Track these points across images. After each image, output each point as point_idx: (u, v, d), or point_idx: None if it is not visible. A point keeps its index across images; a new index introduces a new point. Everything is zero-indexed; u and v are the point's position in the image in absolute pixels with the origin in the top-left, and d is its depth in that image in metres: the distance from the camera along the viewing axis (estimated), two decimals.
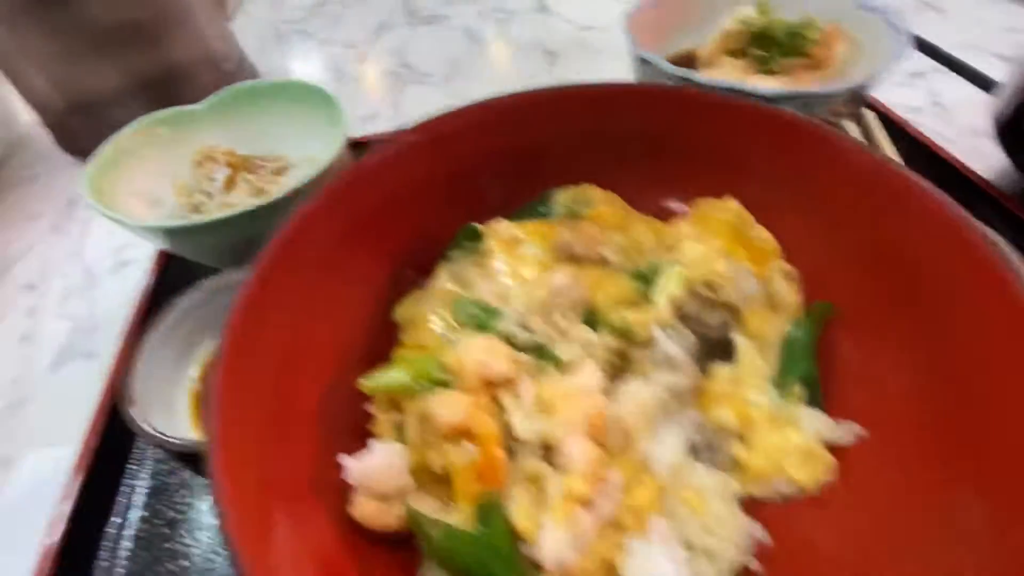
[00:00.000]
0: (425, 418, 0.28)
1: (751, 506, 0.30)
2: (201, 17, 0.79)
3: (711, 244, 0.33)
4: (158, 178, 0.54)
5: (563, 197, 0.40)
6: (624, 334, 0.31)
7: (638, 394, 0.29)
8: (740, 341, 0.33)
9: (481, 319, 0.32)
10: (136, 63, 0.76)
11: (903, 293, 0.32)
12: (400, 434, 0.30)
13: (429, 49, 0.95)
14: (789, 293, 0.34)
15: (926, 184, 0.31)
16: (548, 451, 0.27)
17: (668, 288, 0.32)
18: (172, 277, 0.56)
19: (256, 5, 1.12)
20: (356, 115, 0.80)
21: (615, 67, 0.84)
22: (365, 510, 0.27)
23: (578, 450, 0.26)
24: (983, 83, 0.74)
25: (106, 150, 0.50)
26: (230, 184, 0.54)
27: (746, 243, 0.37)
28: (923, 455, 0.28)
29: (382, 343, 0.37)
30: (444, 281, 0.37)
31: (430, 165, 0.40)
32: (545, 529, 0.24)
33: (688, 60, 0.65)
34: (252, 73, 0.89)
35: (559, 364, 0.30)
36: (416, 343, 0.34)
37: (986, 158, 0.56)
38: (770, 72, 0.53)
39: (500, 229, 0.38)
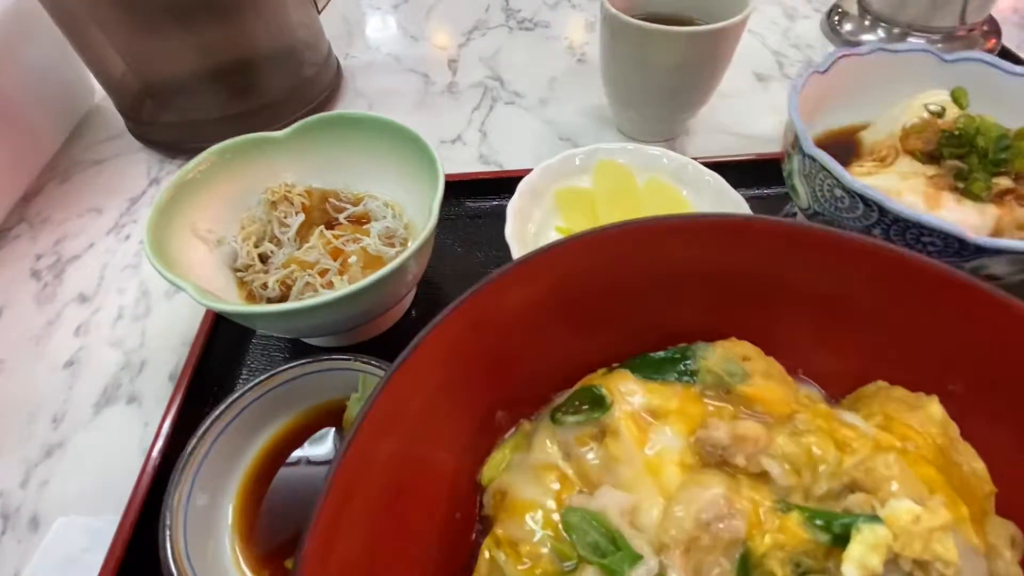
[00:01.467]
0: None
1: None
2: (290, 4, 0.72)
3: (931, 508, 0.24)
4: (224, 210, 0.48)
5: (712, 357, 0.31)
6: None
7: None
8: None
9: (609, 556, 0.24)
10: (214, 44, 0.70)
11: None
12: None
13: (525, 63, 0.85)
14: None
15: None
16: None
17: (866, 559, 0.24)
18: (227, 324, 0.51)
19: None
20: (435, 136, 0.73)
21: (748, 119, 0.72)
22: None
23: None
24: None
25: (165, 192, 0.44)
26: (303, 235, 0.48)
27: (953, 475, 0.28)
28: None
29: (465, 506, 0.31)
30: (549, 451, 0.30)
31: (544, 295, 0.32)
32: None
33: (845, 140, 0.54)
34: (336, 71, 0.82)
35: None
36: (511, 543, 0.27)
37: None
38: (969, 195, 0.42)
39: (629, 394, 0.30)
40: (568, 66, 0.85)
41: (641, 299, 0.34)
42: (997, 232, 0.40)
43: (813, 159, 0.41)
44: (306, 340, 0.50)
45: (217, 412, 0.35)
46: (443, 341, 0.28)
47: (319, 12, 0.78)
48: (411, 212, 0.51)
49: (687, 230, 0.32)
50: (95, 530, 0.42)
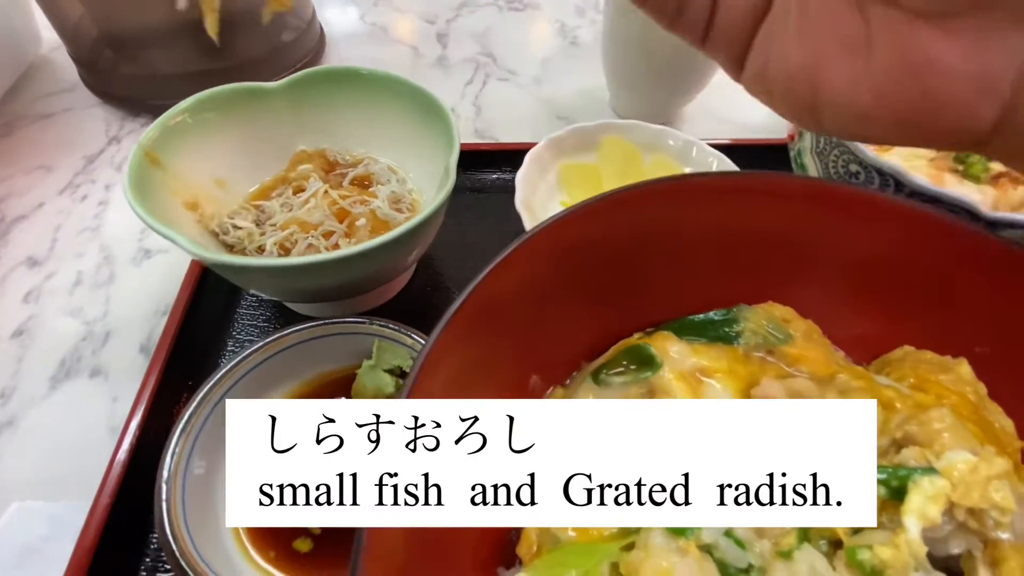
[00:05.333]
0: None
1: None
2: None
3: (987, 459, 0.24)
4: (217, 165, 0.44)
5: (755, 319, 0.31)
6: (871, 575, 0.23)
7: None
8: None
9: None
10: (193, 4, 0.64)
11: None
12: None
13: (516, 41, 0.84)
14: None
15: None
16: None
17: (925, 509, 0.24)
18: (212, 288, 0.46)
19: None
20: None
21: (740, 109, 0.74)
22: None
23: None
24: None
25: (153, 131, 0.39)
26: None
27: (987, 431, 0.28)
28: None
29: None
30: None
31: (573, 258, 0.30)
32: None
33: None
34: (319, 38, 0.77)
35: None
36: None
37: None
38: (969, 176, 0.44)
39: (678, 355, 0.29)
40: (561, 47, 0.84)
41: (663, 264, 0.33)
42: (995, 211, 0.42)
43: (828, 140, 0.42)
44: (298, 310, 0.46)
45: (220, 374, 0.32)
46: (479, 304, 0.26)
47: None
48: (415, 177, 0.49)
49: (711, 189, 0.31)
50: (55, 517, 0.37)
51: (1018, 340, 0.30)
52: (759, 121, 0.71)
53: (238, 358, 0.32)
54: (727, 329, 0.31)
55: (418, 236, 0.37)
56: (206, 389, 0.31)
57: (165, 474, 0.28)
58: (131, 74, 0.66)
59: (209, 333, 0.45)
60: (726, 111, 0.72)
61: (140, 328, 0.46)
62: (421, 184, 0.48)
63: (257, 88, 0.45)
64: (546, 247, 0.29)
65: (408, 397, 0.21)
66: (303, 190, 0.45)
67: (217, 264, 0.33)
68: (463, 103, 0.72)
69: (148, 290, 0.49)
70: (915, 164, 0.45)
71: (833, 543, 0.25)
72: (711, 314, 0.32)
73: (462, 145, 0.59)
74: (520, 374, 0.31)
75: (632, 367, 0.29)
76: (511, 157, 0.55)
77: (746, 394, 0.28)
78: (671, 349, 0.29)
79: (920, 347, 0.32)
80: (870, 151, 0.41)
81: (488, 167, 0.59)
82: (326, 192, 0.43)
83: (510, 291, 0.28)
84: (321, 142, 0.49)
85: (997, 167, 0.44)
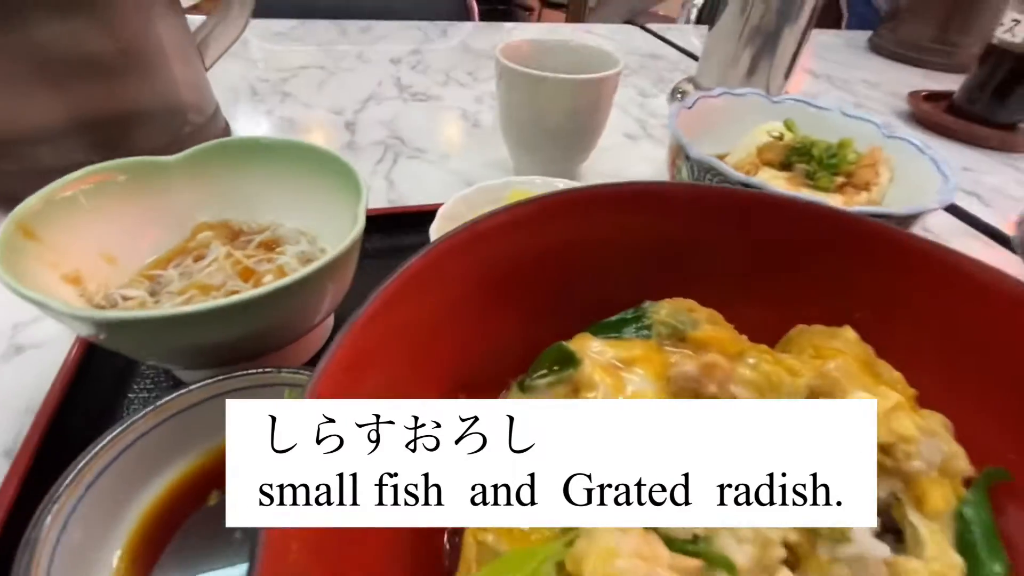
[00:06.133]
0: None
1: None
2: (175, 61, 0.69)
3: (882, 393, 0.26)
4: (103, 243, 0.42)
5: (663, 312, 0.32)
6: None
7: None
8: (921, 525, 0.25)
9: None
10: (87, 101, 0.64)
11: None
12: None
13: (422, 125, 0.90)
14: (963, 458, 0.28)
15: None
16: None
17: None
18: (95, 378, 0.42)
19: (232, 59, 1.04)
20: None
21: (627, 166, 0.82)
22: None
23: None
24: (977, 224, 0.77)
25: (32, 202, 0.37)
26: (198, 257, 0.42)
27: (880, 384, 0.31)
28: None
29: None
30: None
31: (493, 266, 0.32)
32: None
33: None
34: (224, 129, 0.78)
35: (732, 571, 0.21)
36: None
37: None
38: (819, 188, 0.51)
39: (598, 351, 0.29)
40: (464, 129, 0.91)
41: (574, 272, 0.35)
42: None
43: (699, 161, 0.47)
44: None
45: (103, 442, 0.27)
46: (385, 327, 0.25)
47: (206, 69, 0.75)
48: (326, 237, 0.48)
49: (611, 198, 0.34)
50: None
51: (887, 302, 0.34)
52: (645, 174, 0.79)
53: (125, 423, 0.28)
54: (639, 324, 0.32)
55: (324, 281, 0.36)
56: (86, 459, 0.27)
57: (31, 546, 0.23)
58: (8, 170, 0.63)
59: (92, 425, 0.39)
60: (614, 171, 0.80)
61: (5, 431, 0.40)
62: (333, 243, 0.48)
63: (153, 162, 0.45)
64: (460, 258, 0.29)
65: None
66: (204, 258, 0.43)
67: (96, 323, 0.30)
68: (375, 178, 0.75)
69: (18, 389, 0.43)
70: (776, 183, 0.52)
71: None
72: (622, 314, 0.33)
73: (375, 211, 0.60)
74: (446, 391, 0.30)
75: (555, 368, 0.29)
76: (423, 219, 0.57)
77: (665, 379, 0.29)
78: (590, 346, 0.30)
79: (810, 323, 0.35)
80: (738, 173, 0.47)
81: (401, 230, 0.60)
82: (228, 254, 0.41)
83: (422, 305, 0.27)
84: (224, 213, 0.48)
85: (839, 179, 0.52)
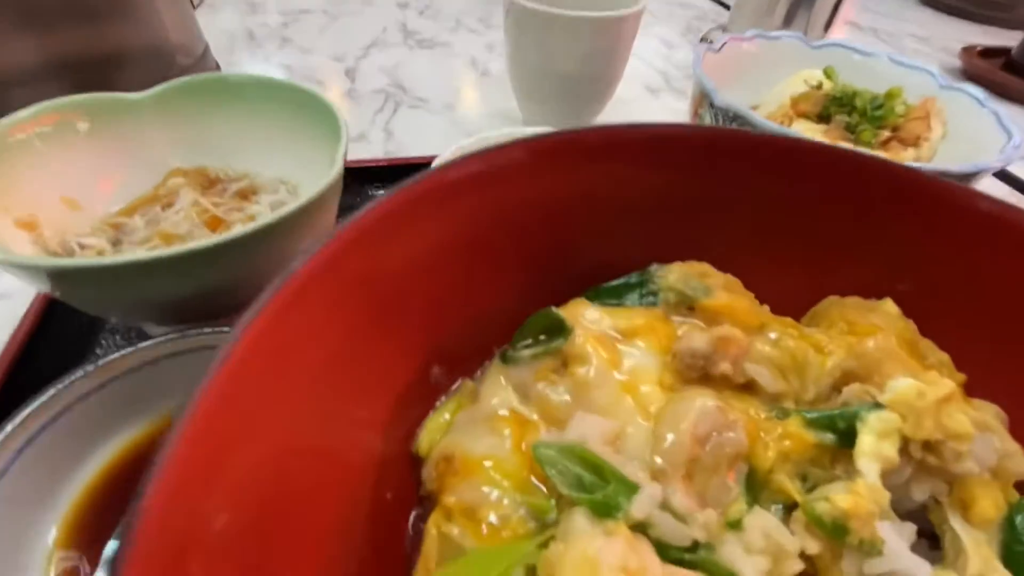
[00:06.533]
0: None
1: None
2: (160, 3, 0.64)
3: (930, 380, 0.22)
4: (63, 187, 0.38)
5: (671, 277, 0.28)
6: (834, 532, 0.19)
7: None
8: (965, 535, 0.22)
9: (599, 491, 0.19)
10: (68, 42, 0.59)
11: None
12: None
13: (427, 73, 0.84)
14: (1019, 456, 0.23)
15: None
16: None
17: (878, 448, 0.21)
18: (58, 333, 0.39)
19: (230, 2, 0.98)
20: None
21: (645, 120, 0.76)
22: None
23: None
24: None
25: None
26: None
27: (923, 366, 0.26)
28: None
29: (398, 487, 0.23)
30: (503, 396, 0.24)
31: (477, 215, 0.27)
32: None
33: None
34: (214, 72, 0.74)
35: None
36: (466, 511, 0.20)
37: None
38: (861, 142, 0.45)
39: (593, 320, 0.25)
40: (472, 79, 0.84)
41: (579, 232, 0.30)
42: None
43: (725, 109, 0.42)
44: None
45: (34, 405, 0.25)
46: (333, 281, 0.21)
47: (195, 7, 0.70)
48: (309, 187, 0.44)
49: (614, 141, 0.29)
50: None
51: (939, 272, 0.29)
52: None
53: (60, 385, 0.25)
54: (643, 289, 0.28)
55: (294, 230, 0.32)
56: (20, 418, 0.24)
57: None
58: None
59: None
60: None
61: None
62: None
63: (118, 99, 0.41)
64: (437, 204, 0.25)
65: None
66: (172, 206, 0.39)
67: (38, 271, 0.27)
68: (373, 129, 0.70)
69: None
70: (811, 135, 0.46)
71: (788, 507, 0.21)
72: (626, 278, 0.29)
73: (366, 161, 0.56)
74: (416, 365, 0.26)
75: (542, 338, 0.25)
76: (419, 171, 0.53)
77: (669, 354, 0.25)
78: (584, 314, 0.26)
79: (844, 295, 0.30)
80: (770, 123, 0.41)
81: (395, 182, 0.56)
82: (196, 202, 0.38)
83: (388, 256, 0.24)
84: (200, 158, 0.44)
85: (884, 133, 0.46)
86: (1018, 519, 0.23)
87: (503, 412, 0.24)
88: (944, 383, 0.21)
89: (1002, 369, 0.27)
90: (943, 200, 0.28)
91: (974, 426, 0.22)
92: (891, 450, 0.21)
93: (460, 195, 0.26)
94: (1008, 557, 0.22)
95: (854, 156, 0.29)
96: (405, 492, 0.24)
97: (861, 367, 0.23)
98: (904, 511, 0.22)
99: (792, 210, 0.31)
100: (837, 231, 0.31)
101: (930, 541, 0.23)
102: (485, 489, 0.21)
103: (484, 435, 0.23)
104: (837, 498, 0.19)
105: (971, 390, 0.26)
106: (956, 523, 0.22)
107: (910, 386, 0.21)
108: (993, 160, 0.39)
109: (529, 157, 0.28)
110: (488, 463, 0.22)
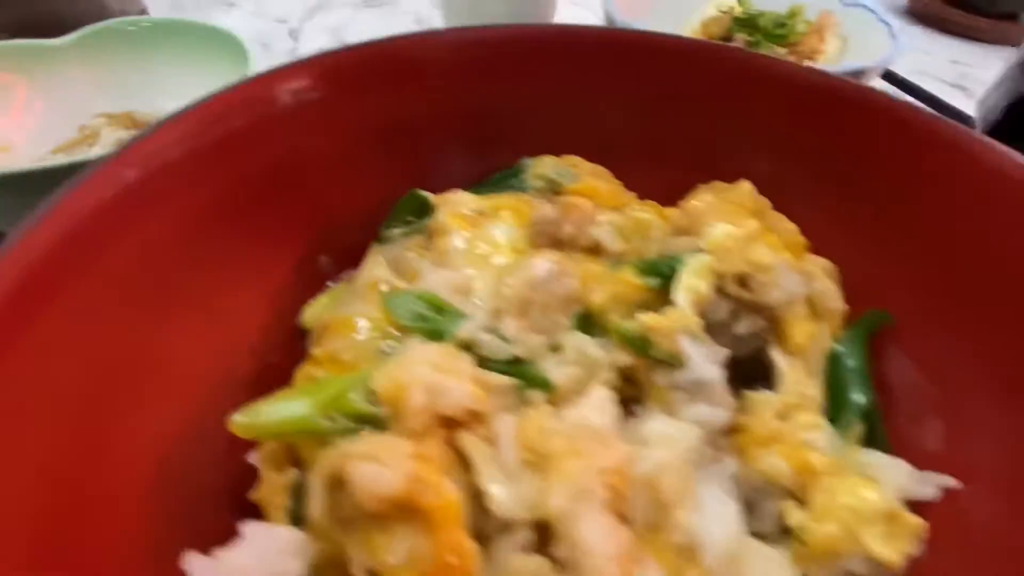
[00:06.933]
0: (338, 482, 0.17)
1: None
2: None
3: (743, 225, 0.24)
4: None
5: (540, 167, 0.30)
6: (640, 346, 0.22)
7: (670, 437, 0.19)
8: (781, 360, 0.24)
9: (433, 321, 0.21)
10: (6, 8, 0.60)
11: (976, 288, 0.25)
12: (297, 509, 0.18)
13: (372, 32, 0.85)
14: (835, 297, 0.26)
15: (997, 145, 0.25)
16: (544, 534, 0.17)
17: (692, 284, 0.23)
18: None
19: None
20: None
21: None
22: None
23: (597, 532, 0.15)
24: (937, 105, 0.73)
25: None
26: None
27: (769, 234, 0.29)
28: None
29: (283, 361, 0.26)
30: (377, 270, 0.27)
31: (360, 107, 0.30)
32: None
33: None
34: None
35: (550, 390, 0.20)
36: (331, 356, 0.23)
37: None
38: None
39: (457, 201, 0.28)
40: None
41: (478, 121, 0.32)
42: None
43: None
44: None
45: None
46: (195, 151, 0.24)
47: None
48: None
49: (482, 44, 0.31)
50: None
51: (790, 154, 0.31)
52: None
53: None
54: (516, 180, 0.30)
55: None
56: None
57: None
58: None
59: None
60: None
61: None
62: None
63: (41, 46, 0.42)
64: (313, 98, 0.27)
65: None
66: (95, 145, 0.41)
67: None
68: None
69: None
70: None
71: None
72: (502, 172, 0.31)
73: None
74: (304, 255, 0.29)
75: (411, 219, 0.28)
76: None
77: (529, 233, 0.27)
78: (449, 197, 0.28)
79: (710, 181, 0.33)
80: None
81: None
82: (119, 140, 0.39)
83: (257, 139, 0.26)
84: (125, 102, 0.46)
85: (782, 50, 0.48)
86: (838, 349, 0.26)
87: (375, 282, 0.26)
88: (750, 224, 0.24)
89: (843, 232, 0.29)
90: (781, 80, 0.30)
91: (790, 266, 0.25)
92: (704, 285, 0.23)
93: (342, 92, 0.28)
94: (830, 380, 0.25)
95: (711, 48, 0.32)
96: (292, 359, 0.26)
97: (688, 223, 0.26)
98: (741, 355, 0.25)
99: (659, 106, 0.33)
100: (701, 123, 0.33)
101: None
102: (349, 339, 0.23)
103: (357, 301, 0.25)
104: (643, 318, 0.22)
105: (818, 252, 0.29)
106: (775, 353, 0.25)
107: (722, 230, 0.24)
108: (866, 61, 0.42)
109: (409, 62, 0.30)
110: (357, 320, 0.24)
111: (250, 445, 0.21)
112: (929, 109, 0.70)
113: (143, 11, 0.73)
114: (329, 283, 0.29)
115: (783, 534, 0.22)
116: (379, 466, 0.16)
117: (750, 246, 0.23)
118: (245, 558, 0.15)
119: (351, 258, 0.30)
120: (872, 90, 0.30)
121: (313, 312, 0.27)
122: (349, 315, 0.25)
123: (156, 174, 0.22)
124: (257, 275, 0.26)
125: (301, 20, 0.87)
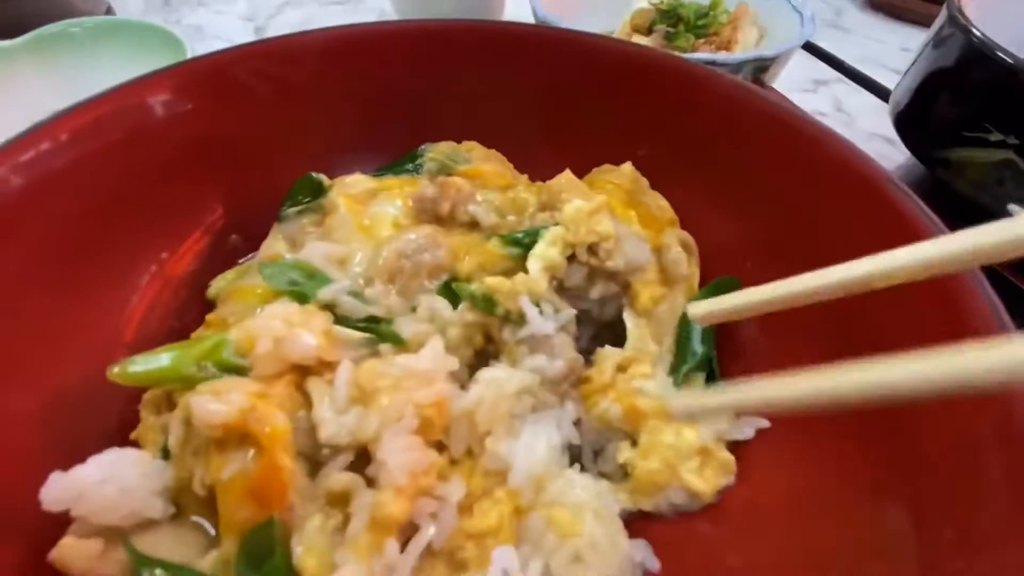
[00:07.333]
0: (191, 417, 0.20)
1: (638, 524, 0.23)
2: None
3: (596, 201, 0.27)
4: None
5: (436, 152, 0.33)
6: (486, 305, 0.24)
7: (497, 381, 0.22)
8: (630, 320, 0.27)
9: (302, 286, 0.24)
10: None
11: (802, 257, 0.27)
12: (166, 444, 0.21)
13: None
14: (685, 264, 0.29)
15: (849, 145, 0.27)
16: (363, 459, 0.20)
17: (545, 252, 0.26)
18: None
19: None
20: None
21: None
22: (70, 553, 0.18)
23: (400, 453, 0.18)
24: (882, 93, 0.76)
25: None
26: None
27: (641, 209, 0.32)
28: (843, 455, 0.23)
29: (191, 321, 0.29)
30: (276, 245, 0.29)
31: (273, 96, 0.32)
32: (341, 571, 0.17)
33: None
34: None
35: (399, 344, 0.23)
36: (220, 320, 0.26)
37: (890, 160, 0.56)
38: (678, 48, 0.50)
39: (350, 182, 0.30)
40: None
41: (383, 109, 0.35)
42: None
43: (543, 20, 0.46)
44: None
45: None
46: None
47: None
48: None
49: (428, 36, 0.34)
50: None
51: (667, 140, 0.34)
52: None
53: None
54: (413, 164, 0.33)
55: None
56: None
57: None
58: None
59: None
60: None
61: None
62: None
63: None
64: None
65: None
66: None
67: None
68: None
69: None
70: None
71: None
72: (403, 158, 0.34)
73: None
74: (212, 221, 0.31)
75: (306, 199, 0.30)
76: None
77: (413, 210, 0.30)
78: (343, 179, 0.31)
79: (600, 163, 0.35)
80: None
81: None
82: None
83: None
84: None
85: (702, 41, 0.50)
86: (688, 310, 0.28)
87: (273, 256, 0.29)
88: (597, 198, 0.27)
89: (707, 209, 0.32)
90: (661, 71, 0.33)
91: (638, 237, 0.27)
92: (554, 253, 0.26)
93: (258, 82, 0.31)
94: (678, 337, 0.28)
95: (600, 43, 0.34)
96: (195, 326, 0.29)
97: (549, 199, 0.28)
98: (596, 315, 0.28)
99: (555, 96, 0.36)
100: (594, 111, 0.35)
101: None
102: (238, 305, 0.26)
103: (255, 274, 0.28)
104: (489, 280, 0.24)
105: (686, 226, 0.32)
106: (626, 314, 0.28)
107: (574, 205, 0.27)
108: (767, 49, 0.44)
109: (319, 51, 0.33)
110: (254, 290, 0.27)
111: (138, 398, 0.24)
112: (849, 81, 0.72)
113: (109, 10, 0.76)
114: (240, 261, 0.32)
115: (626, 476, 0.25)
116: (215, 399, 0.18)
117: (595, 218, 0.26)
118: (92, 470, 0.18)
119: (260, 238, 0.33)
120: (742, 84, 0.32)
121: (218, 285, 0.30)
122: (248, 285, 0.27)
123: (70, 157, 0.25)
124: (171, 252, 0.29)
125: (268, 18, 0.89)
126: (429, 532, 0.18)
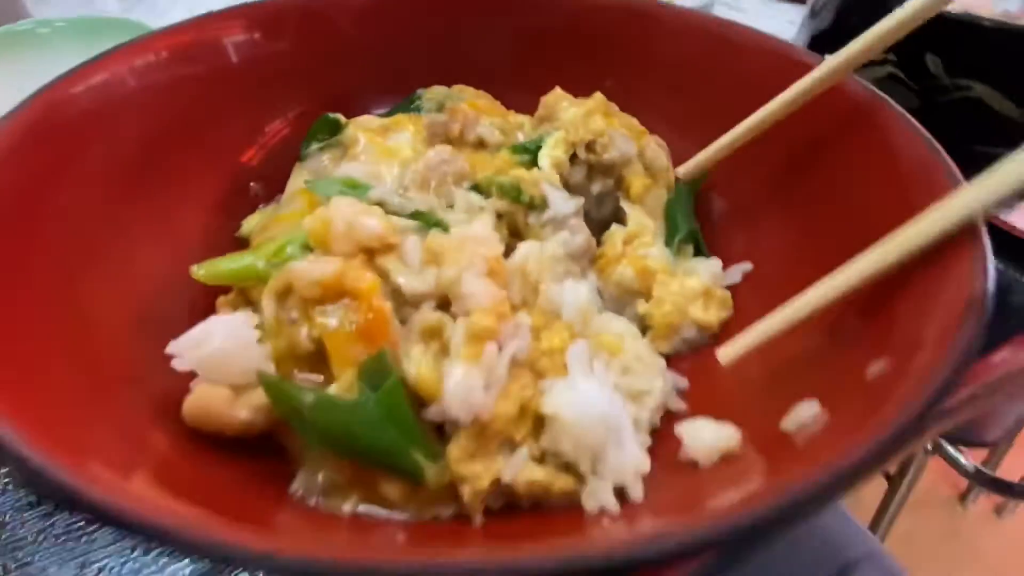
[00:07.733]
0: (285, 292, 0.22)
1: None
2: None
3: (590, 102, 0.32)
4: None
5: (431, 94, 0.37)
6: (513, 193, 0.28)
7: (535, 248, 0.26)
8: (627, 206, 0.32)
9: (350, 192, 0.27)
10: None
11: (760, 144, 0.34)
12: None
13: None
14: (664, 157, 0.34)
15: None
16: (443, 305, 0.23)
17: (551, 152, 0.31)
18: None
19: None
20: None
21: None
22: (203, 405, 0.20)
23: (479, 287, 0.22)
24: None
25: None
26: None
27: (617, 123, 0.37)
28: (807, 281, 0.29)
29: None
30: (301, 180, 0.32)
31: (282, 53, 0.35)
32: (451, 374, 0.20)
33: None
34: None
35: (446, 229, 0.27)
36: (263, 241, 0.28)
37: None
38: None
39: (364, 120, 0.34)
40: None
41: (377, 58, 0.39)
42: None
43: None
44: None
45: None
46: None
47: None
48: None
49: None
50: None
51: (634, 72, 0.40)
52: None
53: None
54: (411, 105, 0.37)
55: None
56: None
57: None
58: None
59: None
60: None
61: None
62: None
63: None
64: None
65: None
66: None
67: None
68: None
69: None
70: None
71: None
72: (398, 105, 0.38)
73: None
74: (235, 172, 0.33)
75: (325, 137, 0.33)
76: None
77: (425, 136, 0.33)
78: (358, 119, 0.34)
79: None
80: None
81: None
82: None
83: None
84: None
85: None
86: (670, 197, 0.34)
87: (301, 190, 0.31)
88: (589, 104, 0.32)
89: (673, 125, 0.38)
90: (624, 9, 0.39)
91: (624, 135, 0.33)
92: (560, 152, 0.31)
93: (267, 40, 0.34)
94: (666, 218, 0.33)
95: None
96: None
97: (546, 112, 0.33)
98: (596, 213, 0.33)
99: (526, 41, 0.41)
100: (562, 53, 0.41)
101: None
102: (280, 227, 0.28)
103: (285, 208, 0.31)
104: (515, 172, 0.29)
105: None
106: (624, 202, 0.33)
107: (570, 111, 0.32)
108: None
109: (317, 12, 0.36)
110: (287, 217, 0.29)
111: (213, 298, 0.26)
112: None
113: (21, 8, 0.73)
114: (261, 206, 0.34)
115: (644, 331, 0.30)
116: (313, 263, 0.21)
117: (590, 118, 0.31)
118: (216, 325, 0.21)
119: (279, 187, 0.36)
120: (693, 13, 0.39)
121: (251, 223, 0.32)
122: (285, 213, 0.30)
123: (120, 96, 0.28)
124: (200, 193, 0.31)
125: None
126: (514, 344, 0.21)
